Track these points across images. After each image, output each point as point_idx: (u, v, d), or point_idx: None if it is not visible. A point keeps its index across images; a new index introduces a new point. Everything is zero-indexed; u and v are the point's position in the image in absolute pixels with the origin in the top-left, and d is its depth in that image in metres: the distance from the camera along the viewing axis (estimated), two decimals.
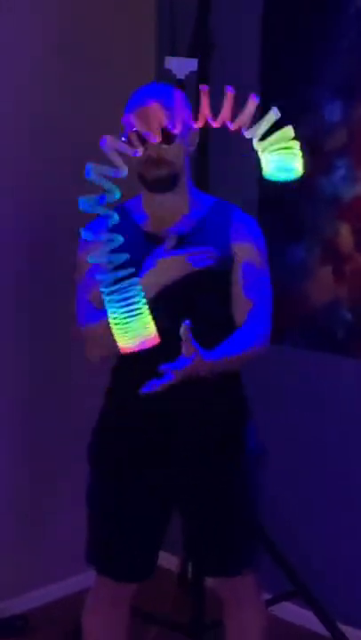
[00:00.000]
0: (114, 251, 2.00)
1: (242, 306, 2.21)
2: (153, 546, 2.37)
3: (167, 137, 2.10)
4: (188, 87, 2.61)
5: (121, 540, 2.31)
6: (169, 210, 2.24)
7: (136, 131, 2.06)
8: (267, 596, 2.66)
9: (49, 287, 3.04)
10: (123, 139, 2.10)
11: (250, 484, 2.30)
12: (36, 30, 2.95)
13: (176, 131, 2.06)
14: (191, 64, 2.63)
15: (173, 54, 2.70)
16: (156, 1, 3.19)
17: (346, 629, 2.75)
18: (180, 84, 2.65)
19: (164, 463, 2.22)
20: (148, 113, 2.01)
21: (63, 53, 3.01)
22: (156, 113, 2.01)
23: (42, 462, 3.16)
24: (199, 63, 2.63)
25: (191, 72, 2.63)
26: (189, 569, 2.84)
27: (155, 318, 2.01)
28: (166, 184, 2.18)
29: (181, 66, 2.64)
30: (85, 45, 3.07)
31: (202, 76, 2.65)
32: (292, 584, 2.49)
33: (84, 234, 1.83)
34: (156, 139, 1.93)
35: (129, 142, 2.06)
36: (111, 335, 1.97)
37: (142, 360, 2.04)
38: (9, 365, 3.08)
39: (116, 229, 2.12)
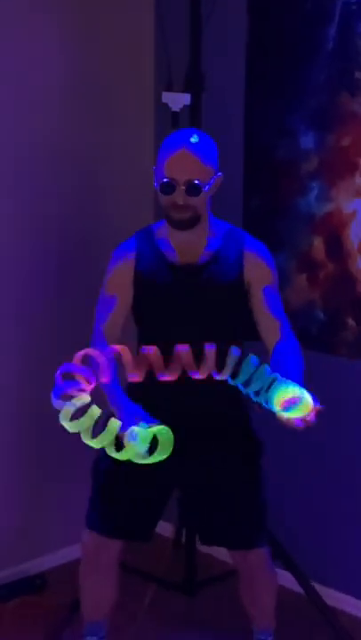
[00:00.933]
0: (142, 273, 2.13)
1: (271, 325, 2.22)
2: (153, 515, 2.38)
3: (194, 189, 2.12)
4: (182, 118, 2.70)
5: (123, 505, 2.31)
6: (191, 244, 2.24)
7: (166, 181, 2.11)
8: None
9: (57, 305, 3.03)
10: (156, 185, 2.17)
11: (252, 469, 2.31)
12: (51, 66, 2.94)
13: (204, 186, 2.12)
14: (185, 98, 2.65)
15: (169, 90, 2.72)
16: (154, 44, 3.17)
17: (318, 587, 2.78)
18: (175, 115, 2.70)
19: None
20: (179, 165, 2.12)
21: (75, 87, 2.99)
22: (187, 165, 2.11)
23: (53, 436, 3.05)
24: (192, 97, 2.65)
25: (185, 105, 2.66)
26: (183, 535, 2.86)
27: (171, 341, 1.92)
28: (189, 225, 2.18)
29: (176, 100, 2.68)
30: (93, 81, 3.05)
31: (194, 108, 2.67)
32: (272, 548, 2.49)
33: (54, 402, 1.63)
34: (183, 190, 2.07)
35: (160, 190, 2.14)
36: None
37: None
38: (12, 347, 3.00)
39: (143, 254, 2.28)
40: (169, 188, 2.11)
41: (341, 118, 2.68)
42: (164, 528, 2.99)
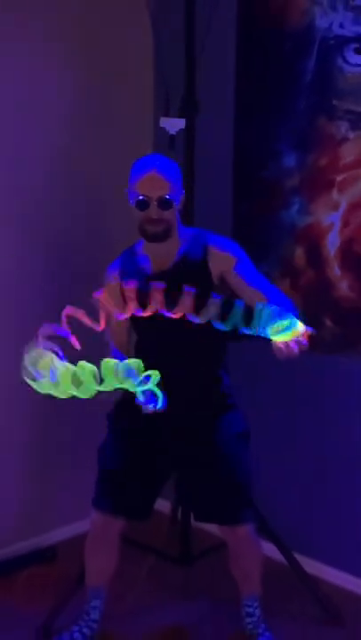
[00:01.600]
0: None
1: (254, 296, 2.12)
2: (151, 494, 2.41)
3: (166, 203, 2.17)
4: (178, 141, 2.68)
5: (125, 485, 2.35)
6: (164, 254, 2.27)
7: (141, 198, 2.16)
8: None
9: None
10: (132, 202, 2.20)
11: (233, 453, 2.32)
12: (64, 93, 2.94)
13: (173, 199, 2.18)
14: (180, 123, 2.65)
15: (167, 115, 2.69)
16: (154, 75, 3.18)
17: (299, 557, 2.78)
18: (172, 138, 2.67)
19: (167, 435, 2.29)
20: (151, 184, 2.17)
21: (83, 112, 3.00)
22: (157, 184, 2.17)
23: (64, 425, 3.10)
24: (187, 122, 2.65)
25: (181, 129, 2.65)
26: (179, 512, 2.85)
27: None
28: (162, 237, 2.22)
29: (173, 124, 2.66)
30: (100, 107, 3.06)
31: (189, 131, 2.66)
32: (258, 523, 2.50)
33: None
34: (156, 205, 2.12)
35: (137, 206, 2.18)
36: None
37: (152, 358, 2.07)
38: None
39: (125, 271, 2.30)
40: (144, 204, 2.16)
41: (320, 141, 2.70)
42: (163, 505, 3.01)
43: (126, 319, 2.30)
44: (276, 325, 1.72)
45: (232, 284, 2.24)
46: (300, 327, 1.76)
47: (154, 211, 2.16)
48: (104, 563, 2.46)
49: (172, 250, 2.28)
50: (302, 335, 1.78)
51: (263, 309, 1.71)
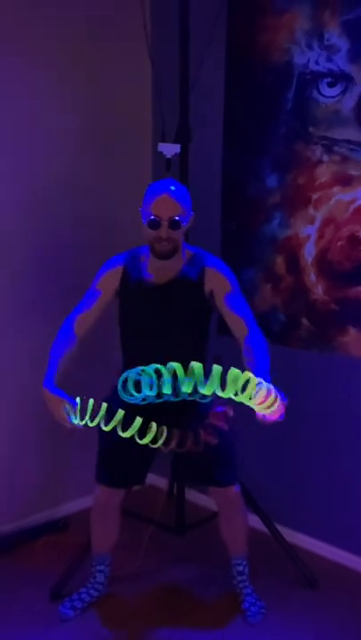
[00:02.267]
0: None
1: (238, 323, 2.21)
2: (144, 466, 2.43)
3: (175, 224, 2.15)
4: (174, 163, 2.67)
5: (121, 461, 2.36)
6: (168, 270, 2.27)
7: (153, 218, 2.14)
8: None
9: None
10: (144, 221, 2.18)
11: (221, 430, 2.29)
12: (71, 120, 2.91)
13: (181, 221, 2.16)
14: (176, 148, 2.64)
15: (163, 141, 2.68)
16: (152, 106, 3.15)
17: (280, 528, 2.81)
18: (168, 161, 2.66)
19: (159, 416, 2.27)
20: (163, 205, 2.14)
21: (89, 139, 2.98)
22: (169, 206, 2.14)
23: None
24: (181, 147, 2.64)
25: (176, 153, 2.65)
26: (175, 487, 2.85)
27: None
28: (169, 255, 2.21)
29: (169, 149, 2.66)
30: (104, 134, 3.04)
31: (183, 155, 2.65)
32: (244, 497, 2.53)
33: None
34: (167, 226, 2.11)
35: (148, 225, 2.16)
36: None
37: (141, 350, 2.20)
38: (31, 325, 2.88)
39: (128, 270, 2.27)
40: (155, 224, 2.15)
41: (298, 163, 2.70)
42: (160, 482, 3.01)
43: (102, 307, 2.29)
44: (255, 398, 1.69)
45: (219, 306, 2.26)
46: (279, 404, 1.74)
47: (164, 230, 2.14)
48: (107, 531, 2.47)
49: (175, 267, 2.27)
50: (278, 406, 1.76)
51: (247, 379, 1.67)
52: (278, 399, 1.74)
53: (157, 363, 2.07)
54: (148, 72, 3.06)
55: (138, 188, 3.13)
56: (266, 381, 1.81)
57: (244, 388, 1.66)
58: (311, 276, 2.75)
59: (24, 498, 3.00)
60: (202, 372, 1.64)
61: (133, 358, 2.26)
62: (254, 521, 2.75)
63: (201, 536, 2.80)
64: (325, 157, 2.63)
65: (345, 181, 2.59)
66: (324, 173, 2.64)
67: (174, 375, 1.68)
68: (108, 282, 2.31)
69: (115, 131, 3.08)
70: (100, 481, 2.41)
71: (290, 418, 2.85)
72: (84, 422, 1.80)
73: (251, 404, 1.67)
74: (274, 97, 2.74)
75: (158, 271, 2.28)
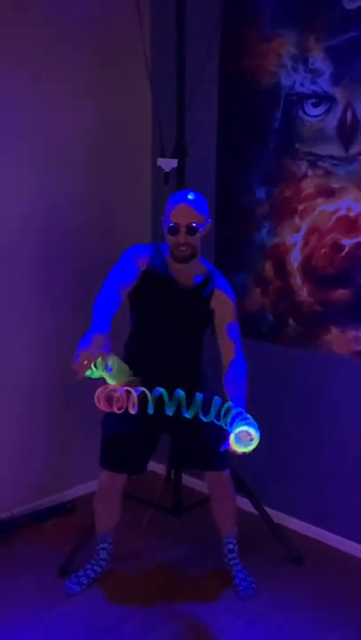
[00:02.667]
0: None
1: (229, 347, 2.24)
2: (145, 454, 2.45)
3: (193, 230, 2.16)
4: (172, 177, 2.67)
5: (124, 448, 2.37)
6: (186, 273, 2.27)
7: (172, 225, 2.15)
8: None
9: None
10: (165, 228, 2.18)
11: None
12: (78, 137, 2.90)
13: (198, 227, 2.16)
14: (173, 162, 2.64)
15: (162, 156, 2.67)
16: (152, 123, 3.12)
17: (268, 509, 2.81)
18: (167, 175, 2.67)
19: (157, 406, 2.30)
20: (181, 213, 2.15)
21: (95, 153, 2.97)
22: (187, 214, 2.15)
23: (79, 397, 2.83)
24: (178, 162, 2.64)
25: (173, 167, 2.65)
26: (172, 473, 2.83)
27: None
28: (188, 259, 2.22)
29: (167, 164, 2.66)
30: (107, 149, 3.03)
31: (180, 169, 2.65)
32: (235, 481, 2.54)
33: None
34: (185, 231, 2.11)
35: (168, 231, 2.16)
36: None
37: (146, 348, 2.22)
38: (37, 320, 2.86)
39: (154, 261, 2.22)
40: (174, 230, 2.15)
41: (285, 177, 2.72)
42: (159, 468, 3.01)
43: (132, 285, 2.18)
44: (240, 431, 1.76)
45: (218, 327, 2.27)
46: (255, 443, 1.78)
47: (182, 236, 2.14)
48: (110, 512, 2.49)
49: (193, 272, 2.27)
50: (253, 443, 1.79)
51: (228, 411, 1.77)
52: (254, 438, 1.78)
53: (160, 354, 2.13)
54: (147, 93, 3.03)
55: (138, 199, 3.26)
56: (241, 404, 1.92)
57: (225, 414, 1.78)
58: (297, 280, 2.76)
59: (34, 483, 3.01)
60: (200, 403, 1.77)
61: (139, 345, 2.29)
62: (245, 504, 2.78)
63: (196, 517, 2.80)
64: (310, 171, 2.65)
65: (328, 193, 2.61)
66: (308, 186, 2.66)
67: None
68: (140, 263, 2.24)
69: (118, 147, 3.09)
70: (103, 466, 2.43)
71: (279, 409, 2.90)
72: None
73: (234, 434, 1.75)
74: (263, 116, 2.76)
75: (178, 273, 2.28)
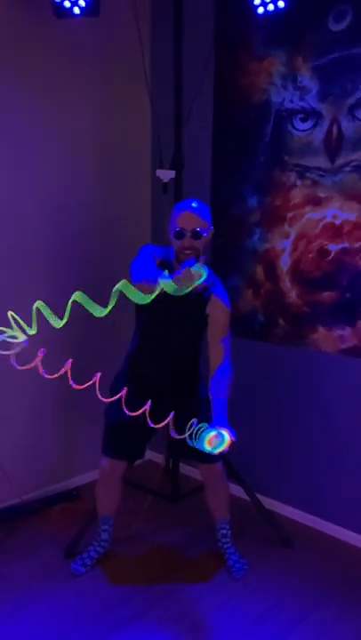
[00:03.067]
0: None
1: (218, 352, 2.23)
2: (143, 441, 2.45)
3: (197, 235, 2.16)
4: (170, 187, 2.70)
5: (124, 436, 2.38)
6: None
7: (178, 230, 2.16)
8: None
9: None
10: (171, 233, 2.17)
11: (207, 411, 2.23)
12: (84, 150, 2.90)
13: (202, 232, 2.16)
14: (171, 173, 2.66)
15: (161, 167, 2.68)
16: (151, 137, 3.14)
17: (259, 496, 2.82)
18: (165, 185, 2.69)
19: (156, 399, 2.28)
20: (187, 219, 2.15)
21: (100, 164, 2.98)
22: (191, 219, 2.16)
23: (84, 395, 2.92)
24: (176, 173, 2.66)
25: (171, 178, 2.66)
26: (170, 462, 2.88)
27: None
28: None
29: (165, 174, 2.67)
30: (111, 161, 3.02)
31: (177, 180, 2.67)
32: (228, 469, 2.56)
33: None
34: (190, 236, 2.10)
35: (174, 236, 2.15)
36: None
37: (148, 349, 2.21)
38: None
39: (163, 262, 2.20)
40: (180, 234, 2.16)
41: (275, 187, 2.73)
42: (158, 457, 3.05)
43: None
44: (208, 438, 1.77)
45: (211, 330, 2.26)
46: (227, 440, 1.79)
47: (187, 240, 2.15)
48: (111, 496, 2.49)
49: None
50: (229, 444, 1.81)
51: (204, 431, 1.76)
52: (227, 439, 1.79)
53: (158, 358, 2.14)
54: (147, 108, 3.07)
55: (139, 207, 3.28)
56: (222, 408, 1.93)
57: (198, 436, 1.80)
58: (286, 283, 2.77)
59: (43, 471, 3.03)
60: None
61: (140, 348, 2.32)
62: (238, 491, 2.81)
63: (193, 503, 2.82)
64: (298, 182, 2.66)
65: (315, 202, 2.63)
66: (297, 195, 2.68)
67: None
68: (155, 259, 2.23)
69: (119, 159, 3.10)
70: (105, 453, 2.44)
71: (270, 403, 2.91)
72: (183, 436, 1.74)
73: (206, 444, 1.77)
74: (255, 130, 2.78)
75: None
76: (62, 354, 2.93)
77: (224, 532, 2.57)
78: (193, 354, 2.39)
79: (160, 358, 2.27)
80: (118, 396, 1.57)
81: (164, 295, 2.23)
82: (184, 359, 2.35)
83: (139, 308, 2.33)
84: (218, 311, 2.27)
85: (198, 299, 2.28)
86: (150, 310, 2.27)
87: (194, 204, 2.20)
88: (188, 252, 2.17)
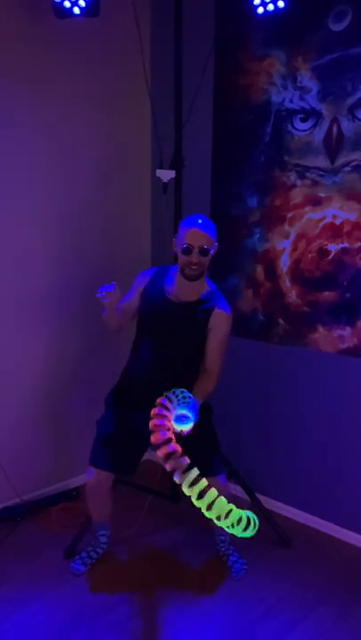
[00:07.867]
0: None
1: (212, 359, 2.27)
2: (136, 454, 2.42)
3: (205, 252, 2.19)
4: (170, 187, 2.72)
5: (114, 449, 2.35)
6: (191, 291, 2.28)
7: (186, 246, 2.18)
8: None
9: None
10: (179, 248, 2.22)
11: (208, 422, 2.35)
12: (88, 155, 2.91)
13: (209, 249, 2.20)
14: (171, 173, 2.68)
15: (161, 168, 2.71)
16: (151, 138, 3.13)
17: (259, 496, 2.83)
18: (165, 185, 2.70)
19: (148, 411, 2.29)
20: (195, 236, 2.18)
21: (101, 166, 2.97)
22: (200, 237, 2.19)
23: (81, 397, 3.05)
24: (176, 173, 2.68)
25: (171, 178, 2.69)
26: None
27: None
28: (196, 277, 2.24)
29: (165, 174, 2.69)
30: (111, 162, 3.02)
31: (177, 180, 2.68)
32: (229, 471, 2.55)
33: None
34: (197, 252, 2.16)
35: (182, 252, 2.20)
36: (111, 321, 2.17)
37: (143, 360, 2.22)
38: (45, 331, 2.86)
39: (153, 283, 2.28)
40: (188, 251, 2.18)
41: (275, 186, 2.73)
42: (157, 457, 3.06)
43: (133, 305, 2.33)
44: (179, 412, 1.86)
45: (211, 340, 2.28)
46: (190, 424, 1.90)
47: (195, 256, 2.18)
48: (101, 505, 2.47)
49: (197, 290, 2.28)
50: (190, 427, 1.90)
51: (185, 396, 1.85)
52: (191, 423, 1.90)
53: (159, 361, 2.14)
54: (147, 108, 3.08)
55: (139, 207, 3.27)
56: (198, 398, 2.03)
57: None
58: (286, 283, 2.77)
59: (43, 471, 3.04)
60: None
61: (138, 351, 2.31)
62: (237, 490, 2.78)
63: (192, 504, 2.77)
64: (298, 182, 2.66)
65: (315, 202, 2.62)
66: (297, 195, 2.68)
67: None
68: (137, 289, 2.37)
69: (120, 159, 3.10)
70: (93, 464, 2.37)
71: (269, 402, 2.91)
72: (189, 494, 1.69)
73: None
74: (255, 130, 2.78)
75: (182, 289, 2.28)
76: (60, 363, 2.94)
77: (223, 537, 2.54)
78: (193, 366, 2.36)
79: (159, 371, 2.25)
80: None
81: (165, 309, 2.19)
82: (183, 370, 2.32)
83: (140, 320, 2.35)
84: (220, 325, 2.28)
85: (199, 308, 2.28)
86: (151, 323, 2.30)
87: (200, 221, 2.22)
88: (195, 267, 2.20)
